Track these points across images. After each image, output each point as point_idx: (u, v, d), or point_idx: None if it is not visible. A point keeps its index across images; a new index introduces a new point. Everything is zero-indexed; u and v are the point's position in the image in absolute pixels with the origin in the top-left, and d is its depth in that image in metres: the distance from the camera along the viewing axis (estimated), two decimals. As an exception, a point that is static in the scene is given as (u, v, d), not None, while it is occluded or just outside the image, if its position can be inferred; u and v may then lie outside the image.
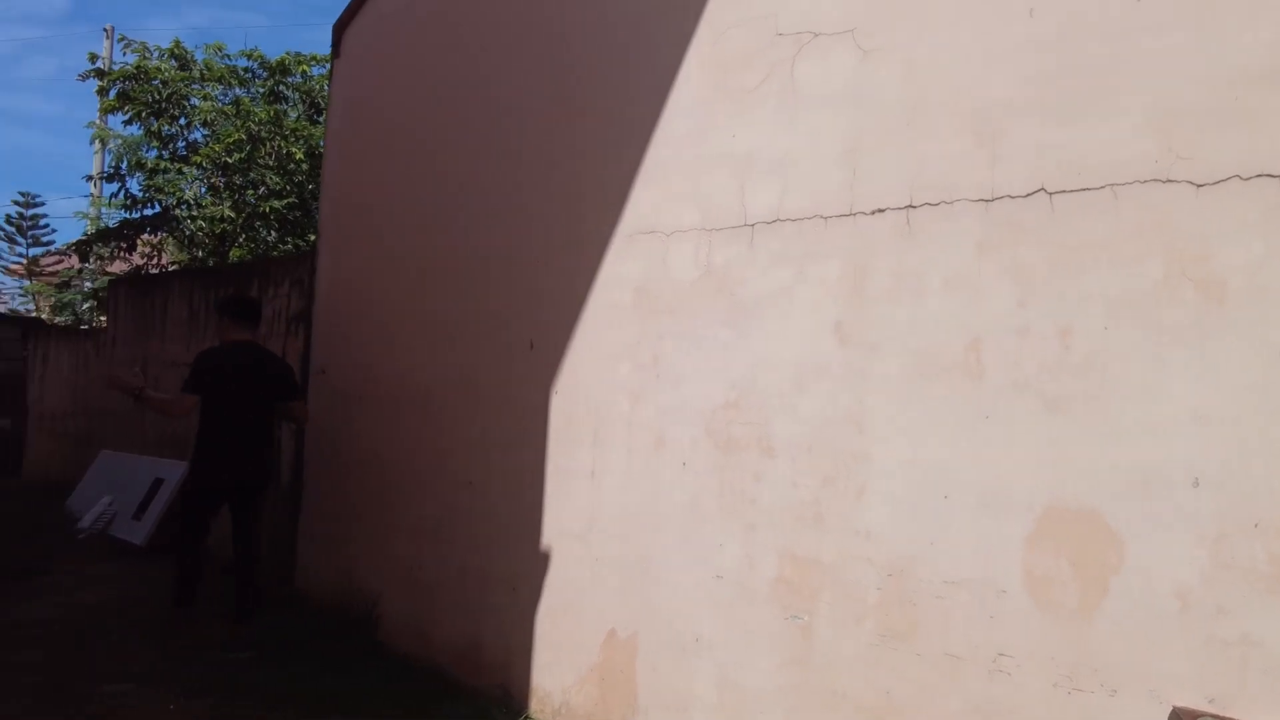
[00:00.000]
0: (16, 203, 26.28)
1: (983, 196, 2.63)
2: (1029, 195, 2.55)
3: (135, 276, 10.81)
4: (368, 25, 5.52)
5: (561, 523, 3.81)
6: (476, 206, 4.47)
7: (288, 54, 11.03)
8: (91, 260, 12.48)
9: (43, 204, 26.56)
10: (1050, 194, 2.51)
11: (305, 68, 11.13)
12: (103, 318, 11.67)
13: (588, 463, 3.69)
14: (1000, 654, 2.52)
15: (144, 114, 10.42)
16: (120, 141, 11.39)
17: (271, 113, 10.26)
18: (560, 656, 3.72)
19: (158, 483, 7.19)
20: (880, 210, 2.83)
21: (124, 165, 11.04)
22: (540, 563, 3.88)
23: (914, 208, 2.77)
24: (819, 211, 2.98)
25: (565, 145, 3.96)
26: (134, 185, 10.85)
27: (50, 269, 20.90)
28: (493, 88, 4.46)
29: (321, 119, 10.69)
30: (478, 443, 4.33)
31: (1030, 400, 2.49)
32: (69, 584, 5.82)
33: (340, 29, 5.71)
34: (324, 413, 5.54)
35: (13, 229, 26.25)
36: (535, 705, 3.80)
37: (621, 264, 3.61)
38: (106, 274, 13.37)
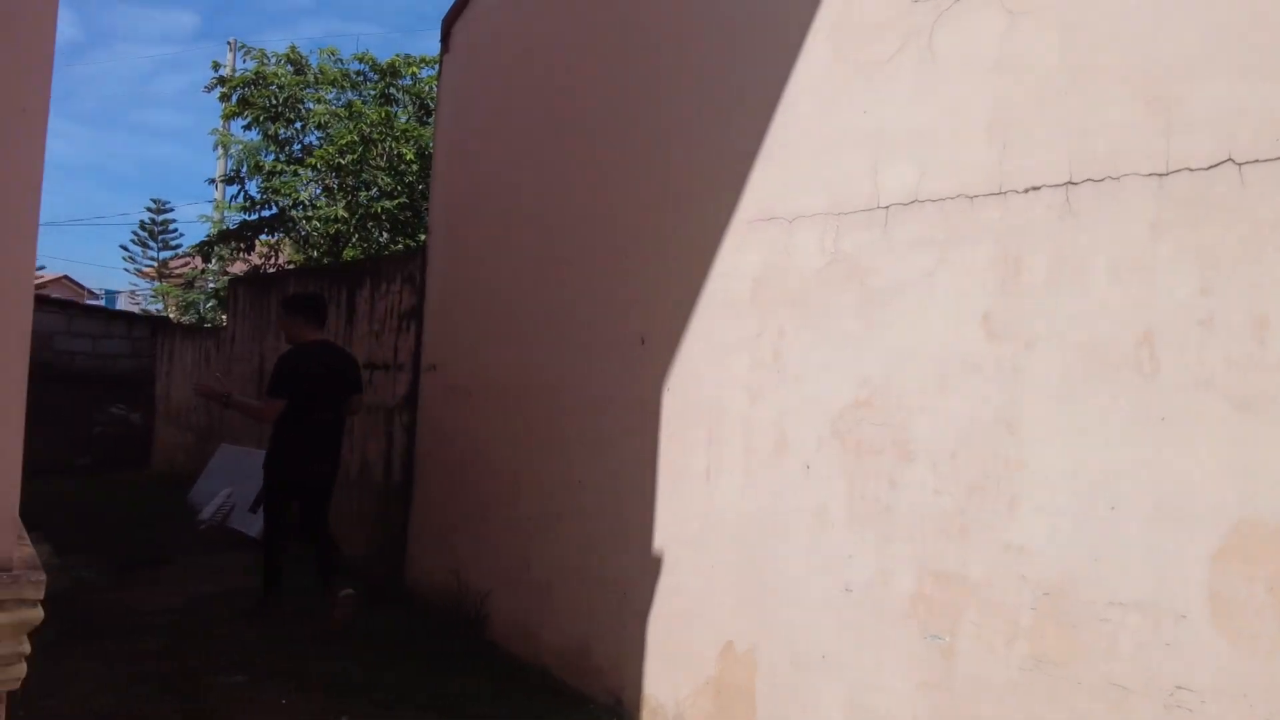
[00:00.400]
0: (149, 209, 27.93)
1: (1156, 170, 2.33)
2: (1213, 167, 2.23)
3: (253, 276, 11.20)
4: (476, 18, 5.48)
5: (675, 526, 3.64)
6: (586, 198, 4.35)
7: (397, 56, 11.22)
8: (213, 261, 13.01)
9: (172, 210, 28.19)
10: (1239, 164, 2.20)
11: (415, 69, 11.31)
12: (223, 316, 12.14)
13: (702, 464, 3.51)
14: (1178, 687, 2.22)
15: (261, 118, 10.77)
16: (241, 146, 11.84)
17: (382, 114, 10.44)
18: (674, 667, 3.55)
19: (274, 476, 7.36)
20: (1035, 188, 2.55)
21: (244, 169, 11.46)
22: (652, 567, 3.71)
23: (1074, 185, 2.48)
24: (963, 191, 2.72)
25: (680, 128, 3.78)
26: (252, 188, 11.24)
27: (178, 270, 22.05)
28: (604, 72, 4.32)
29: (430, 120, 10.83)
30: (587, 440, 4.21)
31: (1215, 400, 2.18)
32: (189, 574, 5.99)
33: (449, 23, 5.69)
34: (435, 409, 5.53)
35: (145, 234, 27.89)
36: (647, 716, 3.64)
37: (739, 253, 3.41)
38: (227, 274, 13.94)
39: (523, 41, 5.04)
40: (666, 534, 3.67)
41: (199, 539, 7.24)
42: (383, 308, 6.24)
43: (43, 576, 1.42)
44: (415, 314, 5.79)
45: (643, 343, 3.89)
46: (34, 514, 6.87)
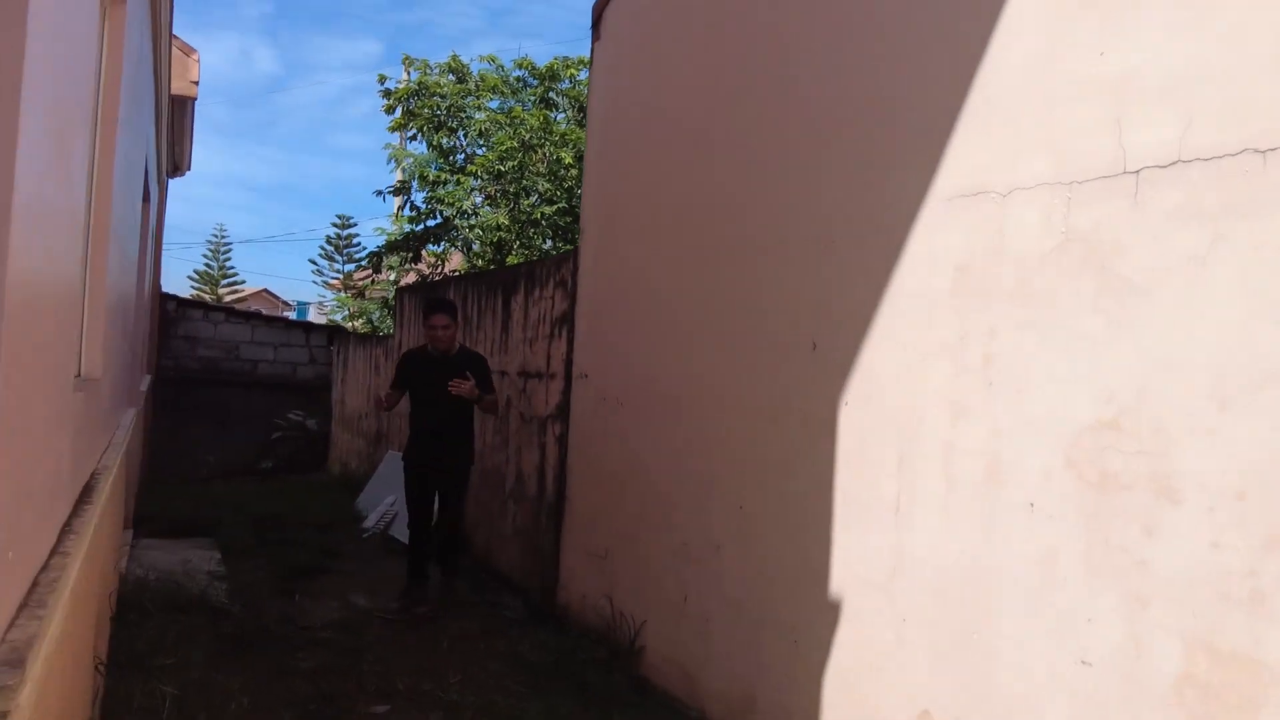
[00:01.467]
0: (334, 225, 29.78)
1: None
2: None
3: (417, 284, 11.38)
4: (628, 3, 5.10)
5: (855, 566, 3.08)
6: (748, 186, 3.86)
7: (556, 59, 11.11)
8: (383, 271, 13.39)
9: (355, 225, 29.90)
10: None
11: (573, 71, 11.16)
12: (392, 324, 12.43)
13: (890, 494, 2.93)
14: None
15: (426, 129, 10.90)
16: (411, 159, 12.08)
17: (541, 118, 10.33)
18: (856, 733, 2.99)
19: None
20: (1370, 132, 1.85)
21: (414, 181, 11.67)
22: (828, 613, 3.17)
23: None
24: (1250, 144, 2.04)
25: (858, 96, 3.22)
26: (419, 199, 11.42)
27: (359, 281, 23.19)
28: (772, 42, 3.82)
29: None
30: (749, 460, 3.71)
31: None
32: (348, 585, 5.92)
33: (599, 10, 5.34)
34: (586, 420, 5.18)
35: (331, 248, 29.73)
36: (823, 787, 3.10)
37: (935, 237, 2.82)
38: (397, 284, 14.35)
39: (679, 22, 4.61)
40: (846, 574, 3.12)
41: (361, 547, 7.24)
42: (536, 313, 5.97)
43: (10, 682, 1.08)
44: (567, 320, 5.47)
45: (814, 348, 3.36)
46: (212, 518, 7.09)
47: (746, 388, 3.75)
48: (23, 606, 1.34)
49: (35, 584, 1.47)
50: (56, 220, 1.47)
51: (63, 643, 1.86)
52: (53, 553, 1.67)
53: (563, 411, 5.43)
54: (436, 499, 5.57)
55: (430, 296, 5.91)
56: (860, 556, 3.06)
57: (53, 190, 1.39)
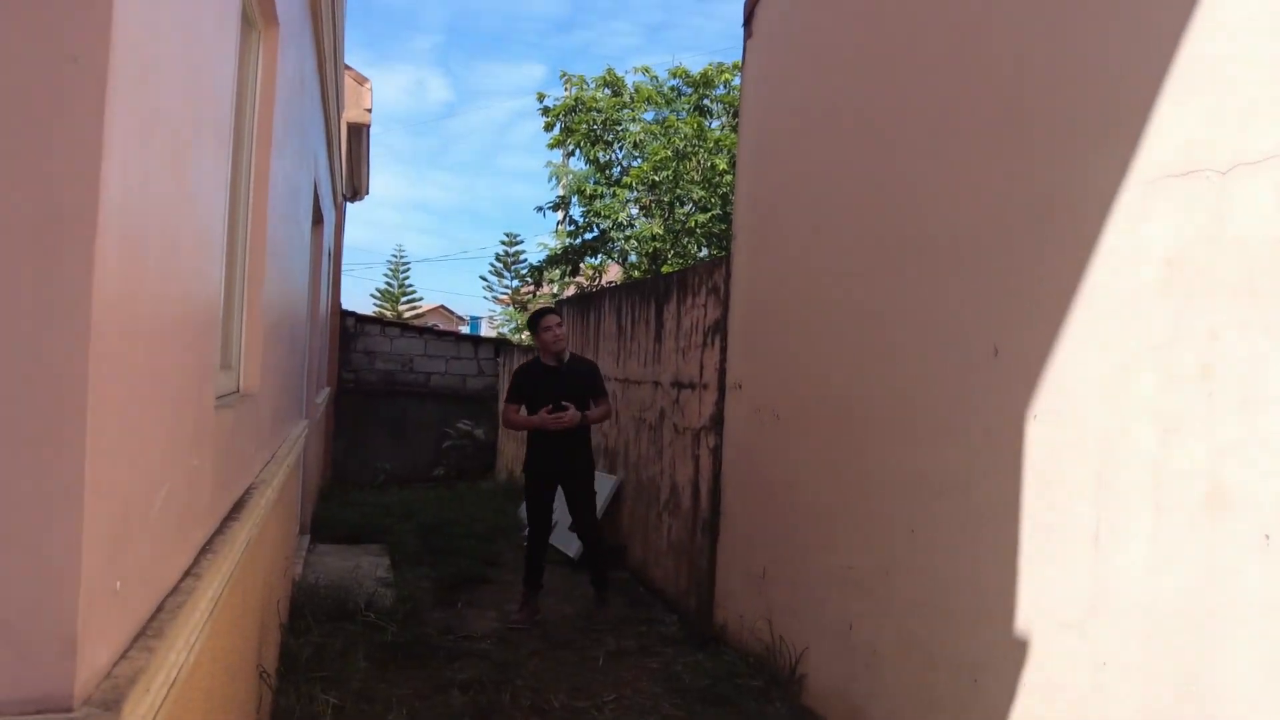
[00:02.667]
0: (503, 243, 31.02)
1: None
2: None
3: (576, 296, 11.51)
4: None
5: (1045, 602, 2.72)
6: (918, 179, 3.55)
7: (710, 66, 10.98)
8: (544, 285, 13.67)
9: (522, 242, 30.99)
10: None
11: (728, 76, 11.00)
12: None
13: (1087, 521, 2.56)
14: None
15: (583, 143, 11.03)
16: (571, 175, 12.27)
17: (696, 125, 10.22)
18: (1049, 793, 2.63)
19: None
20: None
21: (573, 196, 11.85)
22: (1013, 652, 2.82)
23: None
24: None
25: (1044, 68, 2.87)
26: (576, 213, 11.56)
27: (524, 296, 23.99)
28: (940, 20, 3.51)
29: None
30: (920, 478, 3.39)
31: None
32: (507, 596, 5.96)
33: (751, 6, 5.14)
34: (741, 432, 4.97)
35: (500, 265, 30.98)
36: None
37: (1138, 225, 2.45)
38: (557, 297, 14.62)
39: (838, 9, 4.34)
40: (1034, 610, 2.76)
41: (520, 556, 7.30)
42: (688, 322, 5.81)
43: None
44: (720, 328, 5.29)
45: (996, 354, 3.01)
46: (384, 525, 7.35)
47: (918, 398, 3.43)
48: (138, 637, 1.29)
49: (159, 609, 1.43)
50: (174, 233, 1.43)
51: (207, 664, 1.85)
52: (185, 574, 1.64)
53: (716, 423, 5.24)
54: (560, 508, 5.64)
55: (541, 310, 6.00)
56: (1051, 591, 2.70)
57: (164, 193, 1.34)
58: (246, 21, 2.57)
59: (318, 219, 6.12)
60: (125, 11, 1.04)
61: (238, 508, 2.34)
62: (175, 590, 1.55)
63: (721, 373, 5.22)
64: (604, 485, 7.31)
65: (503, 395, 12.78)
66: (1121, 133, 2.50)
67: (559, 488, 5.62)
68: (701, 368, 5.54)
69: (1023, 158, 2.94)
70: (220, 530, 2.04)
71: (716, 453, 5.23)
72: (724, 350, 5.21)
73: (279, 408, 3.66)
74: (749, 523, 4.82)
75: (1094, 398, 2.57)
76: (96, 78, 1.00)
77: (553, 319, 5.67)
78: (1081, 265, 2.63)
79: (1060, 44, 2.81)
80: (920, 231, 3.48)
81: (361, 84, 9.48)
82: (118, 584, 1.19)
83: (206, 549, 1.85)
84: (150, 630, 1.33)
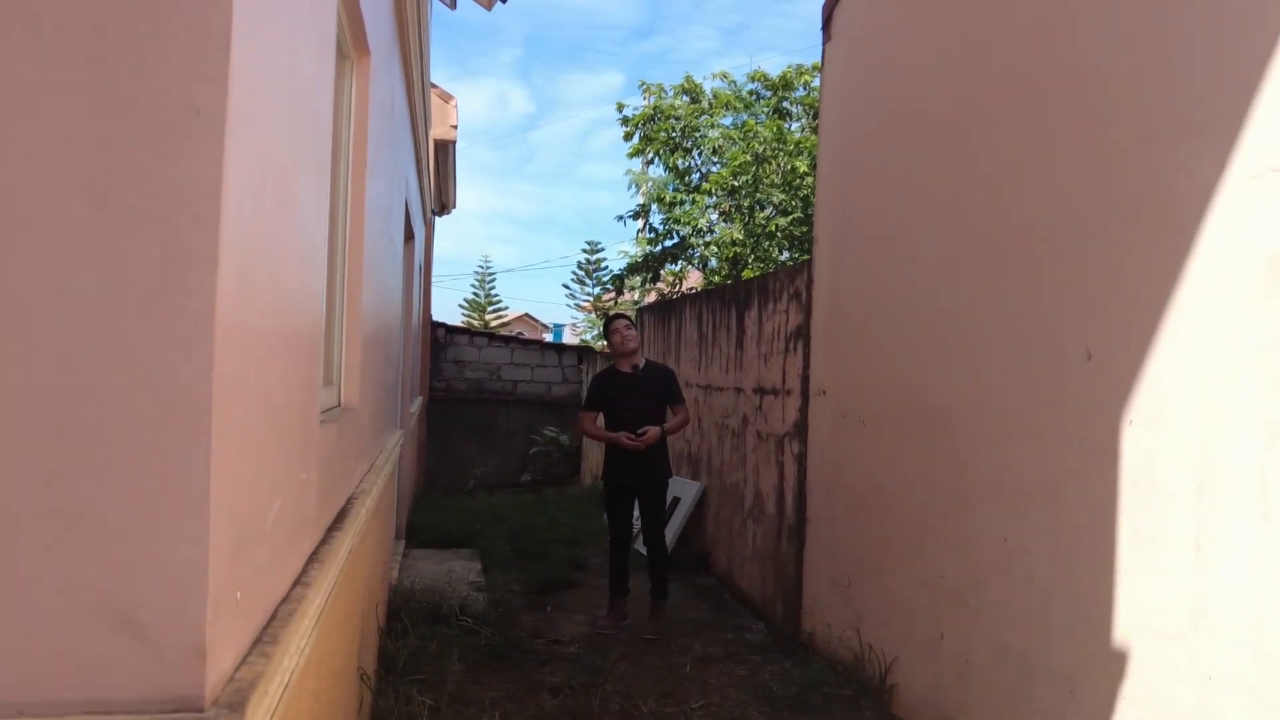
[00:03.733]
0: (584, 251, 31.38)
1: None
2: None
3: (657, 303, 11.58)
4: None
5: (1145, 612, 2.64)
6: (1007, 177, 3.48)
7: (789, 68, 10.93)
8: (625, 292, 13.78)
9: (603, 250, 31.27)
10: None
11: (808, 78, 10.93)
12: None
13: (1188, 529, 2.48)
14: None
15: (662, 151, 11.10)
16: (650, 183, 12.37)
17: (775, 129, 10.18)
18: (1153, 811, 2.55)
19: (674, 501, 7.30)
20: None
21: (652, 204, 11.93)
22: (1112, 662, 2.74)
23: None
24: None
25: (1138, 56, 2.79)
26: (656, 220, 11.64)
27: (605, 303, 24.21)
28: (1028, 11, 3.44)
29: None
30: (1011, 485, 3.32)
31: None
32: (594, 600, 6.04)
33: (829, 9, 5.11)
34: (825, 438, 4.94)
35: (582, 273, 31.37)
36: None
37: (1238, 222, 2.36)
38: (638, 304, 14.71)
39: (918, 7, 4.29)
40: (1132, 620, 2.68)
41: (607, 561, 7.39)
42: (770, 328, 5.80)
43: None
44: (802, 334, 5.26)
45: (1089, 358, 2.94)
46: (475, 530, 7.54)
47: (1009, 403, 3.37)
48: (255, 643, 1.38)
49: (273, 617, 1.53)
50: (281, 262, 1.53)
51: (315, 667, 1.96)
52: (295, 583, 1.74)
53: (800, 429, 5.22)
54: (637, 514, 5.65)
55: (615, 316, 6.04)
56: (1150, 601, 2.61)
57: (274, 226, 1.44)
58: (340, 52, 2.71)
59: (409, 236, 6.32)
60: (240, 65, 1.13)
61: (341, 517, 2.46)
62: (287, 598, 1.65)
63: (804, 379, 5.19)
64: (687, 491, 7.34)
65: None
66: (1220, 126, 2.42)
67: (636, 496, 5.65)
68: (784, 374, 5.52)
69: (1113, 154, 2.86)
70: (325, 540, 2.15)
71: (801, 459, 5.21)
72: (807, 356, 5.18)
73: (376, 419, 3.81)
74: (836, 530, 4.78)
75: (1193, 402, 2.48)
76: (216, 127, 1.09)
77: (621, 322, 5.75)
78: (1178, 265, 2.55)
79: (1150, 33, 2.73)
80: (1008, 232, 3.41)
81: (447, 101, 9.75)
82: (238, 594, 1.28)
83: (314, 558, 1.96)
84: (266, 636, 1.43)
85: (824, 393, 4.94)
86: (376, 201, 3.31)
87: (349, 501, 2.73)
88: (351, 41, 2.73)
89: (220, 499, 1.15)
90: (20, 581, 1.06)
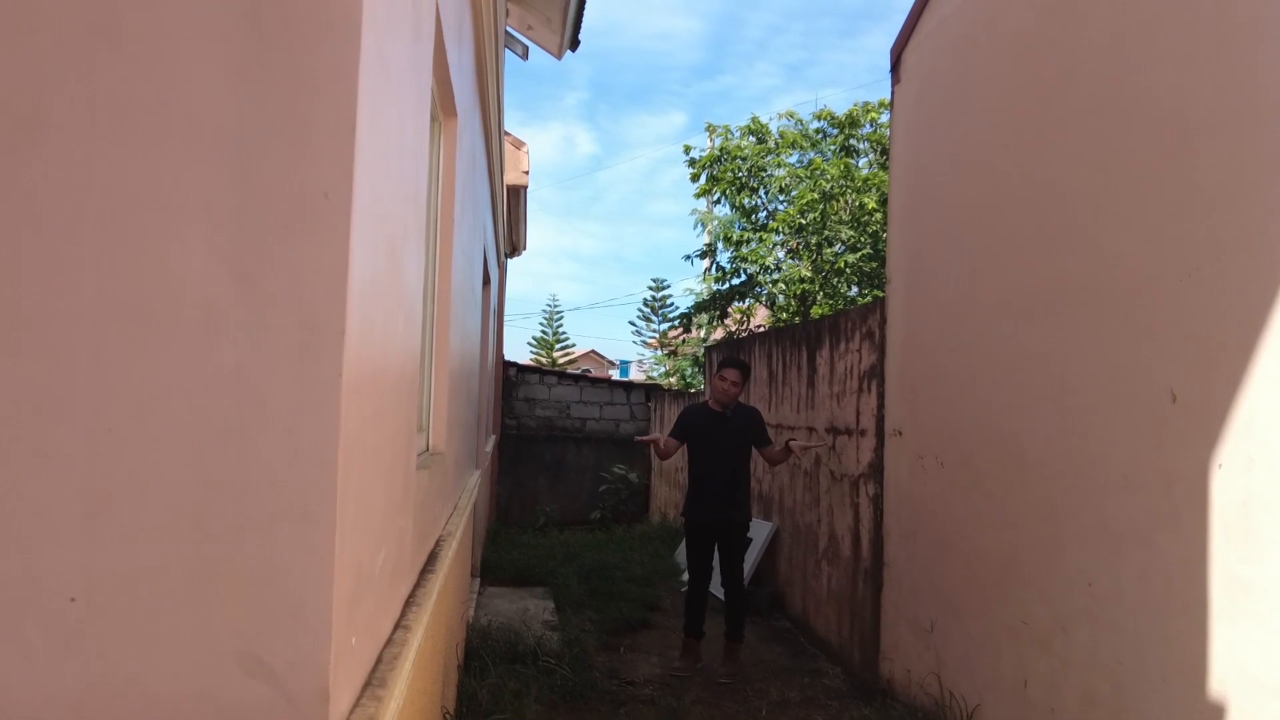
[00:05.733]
0: (650, 288, 31.62)
1: None
2: None
3: (724, 341, 11.60)
4: (928, 39, 4.87)
5: (1245, 663, 2.55)
6: (1085, 216, 3.46)
7: (856, 106, 10.95)
8: (693, 330, 13.84)
9: (668, 287, 31.42)
10: None
11: (874, 115, 10.93)
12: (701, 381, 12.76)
13: (1289, 577, 2.41)
14: None
15: (729, 191, 11.19)
16: (716, 222, 12.47)
17: (842, 166, 10.19)
18: None
19: (747, 541, 7.26)
20: None
21: (719, 243, 12.01)
22: (1208, 715, 2.65)
23: None
24: None
25: (1208, 102, 2.77)
26: (723, 259, 11.70)
27: (673, 340, 24.29)
28: (1109, 49, 3.43)
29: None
30: (1098, 529, 3.25)
31: None
32: (666, 642, 6.04)
33: (898, 51, 5.15)
34: (902, 480, 4.89)
35: (648, 310, 31.57)
36: None
37: (1332, 267, 2.31)
38: (706, 342, 14.74)
39: (988, 46, 4.31)
40: (1231, 671, 2.60)
41: (679, 601, 7.37)
42: (842, 367, 5.79)
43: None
44: (876, 373, 5.24)
45: (1173, 400, 2.88)
46: (547, 569, 7.62)
47: (1092, 444, 3.31)
48: (366, 686, 1.46)
49: (379, 660, 1.61)
50: (391, 321, 1.63)
51: (408, 708, 2.03)
52: (396, 626, 1.82)
53: (875, 470, 5.18)
54: (716, 555, 5.59)
55: (726, 354, 6.01)
56: (1250, 651, 2.53)
57: (386, 291, 1.54)
58: (431, 116, 2.85)
59: (485, 280, 6.51)
60: (362, 148, 1.23)
61: (431, 560, 2.55)
62: (390, 641, 1.73)
63: (879, 419, 5.16)
64: (760, 531, 7.30)
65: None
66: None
67: (717, 536, 5.60)
68: (858, 413, 5.50)
69: (1199, 195, 2.82)
70: (420, 582, 2.24)
71: (877, 501, 5.16)
72: (881, 396, 5.15)
73: (459, 461, 3.93)
74: (914, 573, 4.72)
75: (1290, 447, 2.42)
76: (344, 208, 1.19)
77: (731, 373, 5.57)
78: (1268, 305, 2.50)
79: (1225, 75, 2.70)
80: (1090, 274, 3.38)
81: (519, 148, 10.02)
82: (353, 640, 1.36)
83: (410, 600, 2.04)
84: (375, 679, 1.50)
85: (900, 433, 4.90)
86: (461, 253, 3.45)
87: (437, 543, 2.82)
88: (441, 106, 2.88)
89: (342, 550, 1.24)
90: (166, 629, 1.15)
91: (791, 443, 5.52)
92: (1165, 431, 2.92)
